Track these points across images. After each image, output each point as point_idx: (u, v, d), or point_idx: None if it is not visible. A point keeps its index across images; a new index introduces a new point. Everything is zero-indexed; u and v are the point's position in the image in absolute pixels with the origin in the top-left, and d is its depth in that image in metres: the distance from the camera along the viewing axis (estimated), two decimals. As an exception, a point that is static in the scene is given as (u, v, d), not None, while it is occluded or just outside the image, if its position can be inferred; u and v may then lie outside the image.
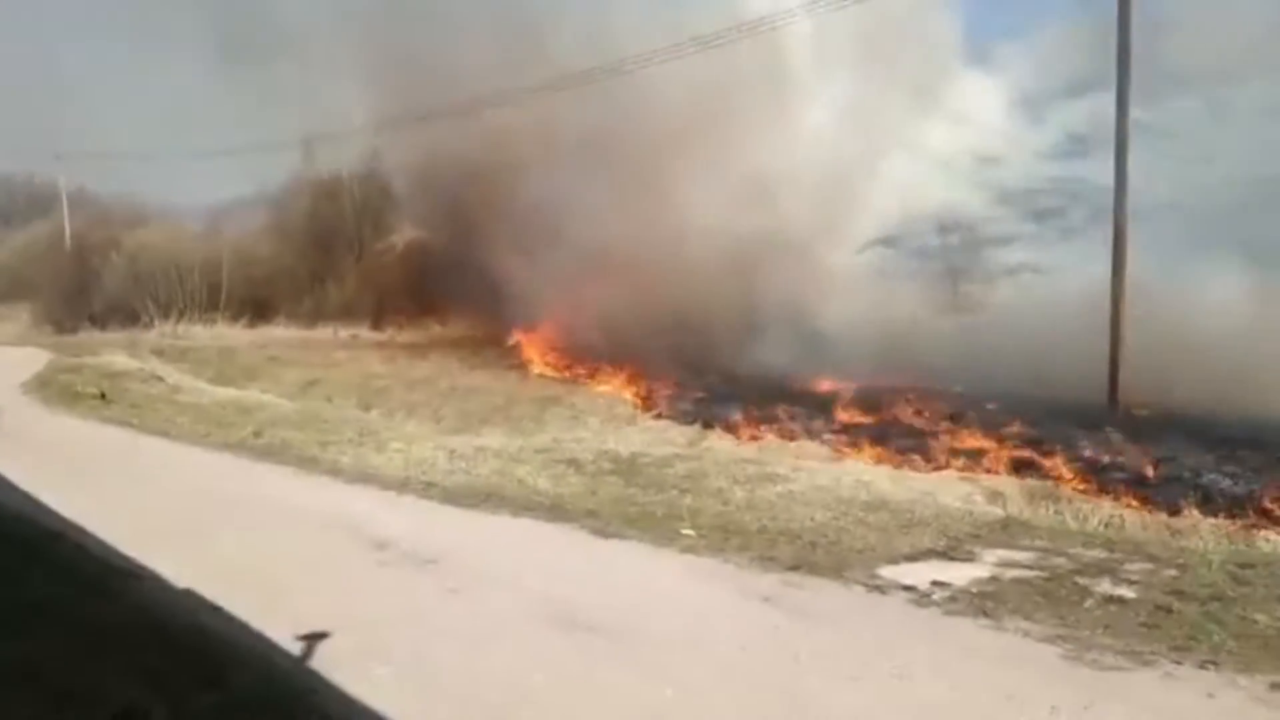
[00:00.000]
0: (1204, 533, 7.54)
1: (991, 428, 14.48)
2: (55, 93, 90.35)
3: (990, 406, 15.96)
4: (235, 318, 32.87)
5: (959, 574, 6.34)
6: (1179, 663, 4.80)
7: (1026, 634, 5.26)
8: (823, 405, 16.93)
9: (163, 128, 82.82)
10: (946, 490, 9.22)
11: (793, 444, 12.69)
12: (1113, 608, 5.60)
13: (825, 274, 25.04)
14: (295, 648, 5.17)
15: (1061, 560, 6.64)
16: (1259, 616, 5.34)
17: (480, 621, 5.67)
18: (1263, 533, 8.30)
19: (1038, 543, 7.17)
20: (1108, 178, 16.12)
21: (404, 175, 32.44)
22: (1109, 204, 16.13)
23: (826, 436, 14.01)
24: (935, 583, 6.15)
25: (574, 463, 10.44)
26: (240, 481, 10.12)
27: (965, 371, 17.71)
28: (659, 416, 15.57)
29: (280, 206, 37.89)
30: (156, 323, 31.75)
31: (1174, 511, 9.24)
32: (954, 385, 17.36)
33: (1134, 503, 9.95)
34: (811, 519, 7.84)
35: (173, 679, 4.79)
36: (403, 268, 32.41)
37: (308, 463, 11.04)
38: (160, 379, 19.29)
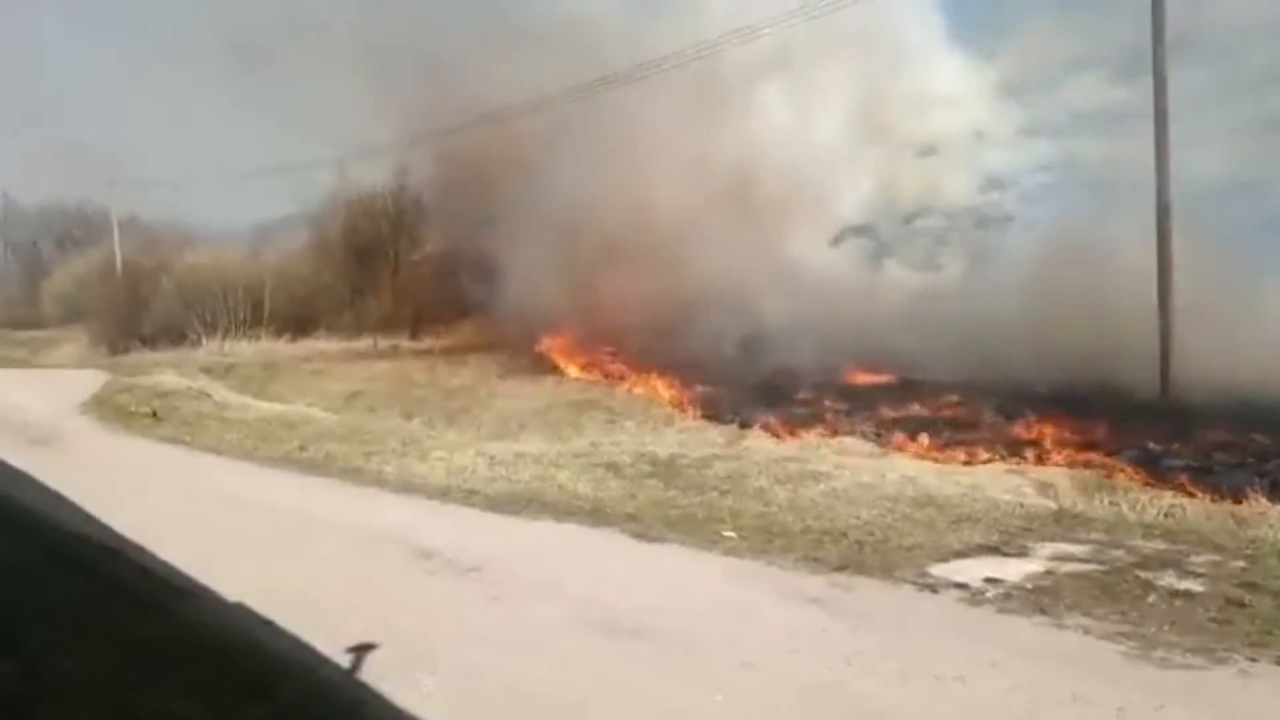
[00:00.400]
0: (1274, 521, 7.25)
1: (1038, 418, 14.16)
2: (102, 123, 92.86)
3: (1035, 395, 15.59)
4: (279, 333, 33.37)
5: (1012, 570, 6.19)
6: (1254, 659, 4.60)
7: (1087, 631, 5.10)
8: (861, 399, 16.71)
9: (204, 152, 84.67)
10: (995, 483, 9.01)
11: (834, 440, 12.49)
12: (1179, 602, 5.42)
13: (845, 264, 24.86)
14: (344, 660, 5.18)
15: (1120, 553, 6.45)
16: (1337, 607, 5.14)
17: (524, 629, 5.64)
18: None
19: (1094, 535, 6.98)
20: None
21: (434, 187, 32.77)
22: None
23: (868, 431, 13.80)
24: (988, 580, 6.01)
25: (613, 466, 10.40)
26: (287, 495, 10.23)
27: (1004, 360, 17.32)
28: (696, 417, 15.44)
29: (319, 224, 38.49)
30: (204, 341, 32.39)
31: (1239, 500, 8.91)
32: (993, 374, 16.97)
33: (1195, 492, 9.62)
34: (857, 517, 7.72)
35: (224, 692, 4.83)
36: (437, 278, 32.68)
37: (352, 474, 11.14)
38: (208, 396, 19.60)
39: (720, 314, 22.16)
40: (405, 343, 30.97)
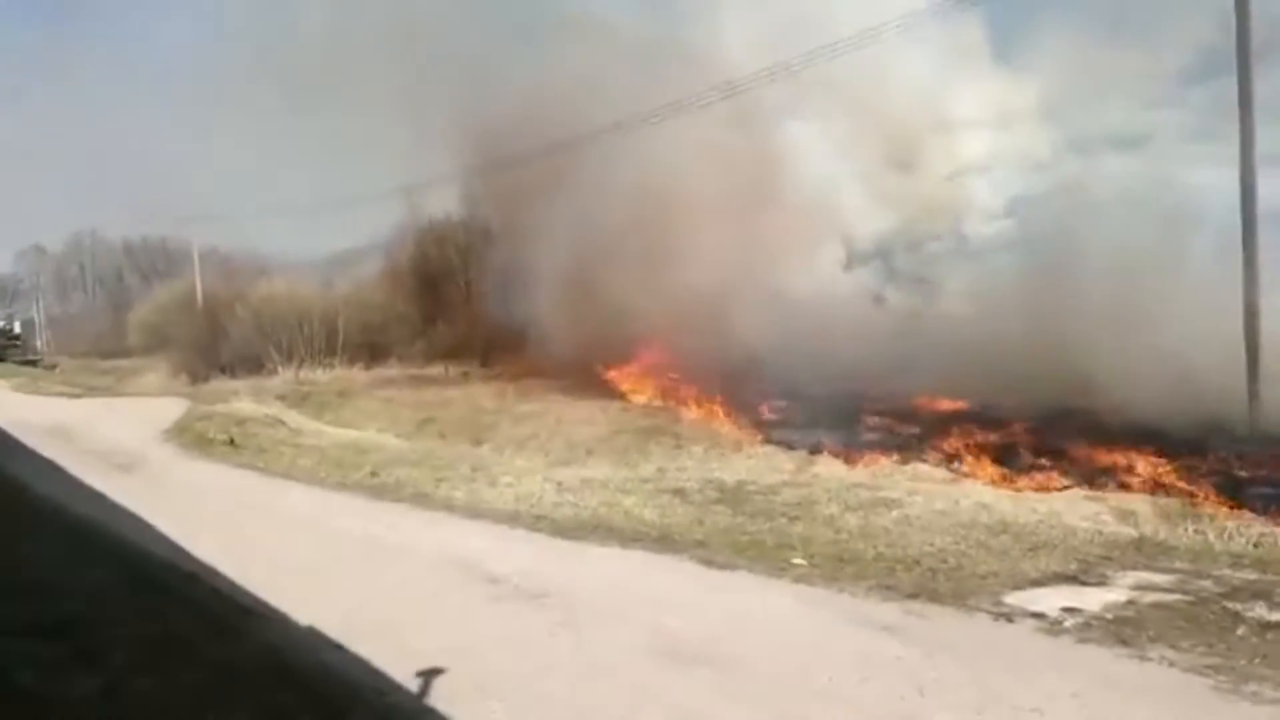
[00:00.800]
0: (1372, 552, 6.90)
1: (1118, 444, 13.72)
2: (181, 161, 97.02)
3: (1114, 422, 15.09)
4: (352, 361, 34.19)
5: (1092, 599, 5.98)
6: (1354, 696, 4.37)
7: (1172, 664, 4.90)
8: (933, 425, 16.40)
9: (278, 186, 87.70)
10: (1072, 510, 8.74)
11: (906, 467, 12.27)
12: (1270, 635, 5.17)
13: (908, 288, 24.56)
14: (413, 684, 5.24)
15: (1206, 583, 6.19)
16: None
17: (591, 655, 5.64)
18: None
19: (1178, 564, 6.72)
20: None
21: (500, 216, 33.34)
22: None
23: (940, 457, 13.53)
24: (1066, 609, 5.81)
25: (680, 492, 10.37)
26: (358, 520, 10.40)
27: (1076, 385, 16.79)
28: (763, 443, 15.33)
29: (389, 254, 39.50)
30: (280, 369, 33.34)
31: (1335, 530, 8.48)
32: (1065, 401, 16.47)
33: (1286, 521, 9.19)
34: (930, 544, 7.56)
35: (295, 715, 4.92)
36: (504, 304, 33.14)
37: (422, 499, 11.30)
38: (283, 423, 20.13)
39: (783, 340, 21.99)
40: (476, 369, 31.42)
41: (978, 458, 13.97)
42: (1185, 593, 5.99)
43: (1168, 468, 12.43)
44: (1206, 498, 10.83)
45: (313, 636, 6.16)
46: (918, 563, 7.07)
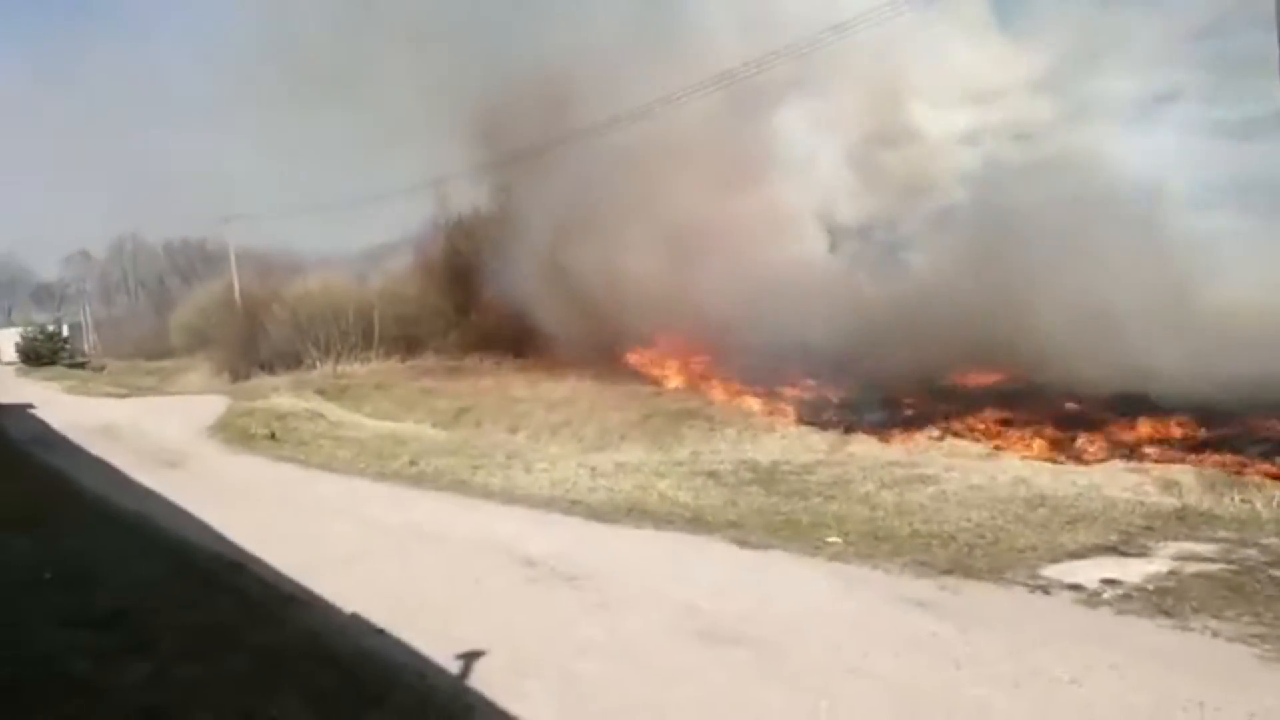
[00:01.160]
0: None
1: (1161, 416, 13.48)
2: (217, 163, 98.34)
3: (1155, 393, 14.79)
4: (388, 354, 34.56)
5: (1132, 570, 5.90)
6: (1404, 665, 4.27)
7: (1215, 634, 4.83)
8: (970, 400, 16.21)
9: (309, 184, 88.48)
10: (1113, 482, 8.60)
11: (943, 443, 12.16)
12: (1317, 603, 5.07)
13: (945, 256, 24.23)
14: (453, 666, 5.32)
15: (1252, 552, 6.08)
16: None
17: (626, 636, 5.68)
18: None
19: (1221, 534, 6.60)
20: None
21: (531, 205, 33.44)
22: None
23: (977, 432, 13.40)
24: (1105, 580, 5.74)
25: (713, 474, 10.37)
26: (398, 509, 10.54)
27: (1117, 356, 16.48)
28: (797, 423, 15.28)
29: (421, 248, 39.75)
30: (318, 364, 33.77)
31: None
32: (1103, 371, 16.15)
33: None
34: (967, 520, 7.50)
35: (338, 698, 5.02)
36: (536, 295, 33.27)
37: (460, 487, 11.42)
38: (322, 416, 20.39)
39: (813, 319, 21.85)
40: (509, 359, 31.60)
41: (1019, 431, 13.81)
42: (1230, 562, 5.89)
43: (1210, 437, 12.19)
44: (1254, 467, 10.61)
45: (354, 622, 6.27)
46: (954, 538, 7.02)
